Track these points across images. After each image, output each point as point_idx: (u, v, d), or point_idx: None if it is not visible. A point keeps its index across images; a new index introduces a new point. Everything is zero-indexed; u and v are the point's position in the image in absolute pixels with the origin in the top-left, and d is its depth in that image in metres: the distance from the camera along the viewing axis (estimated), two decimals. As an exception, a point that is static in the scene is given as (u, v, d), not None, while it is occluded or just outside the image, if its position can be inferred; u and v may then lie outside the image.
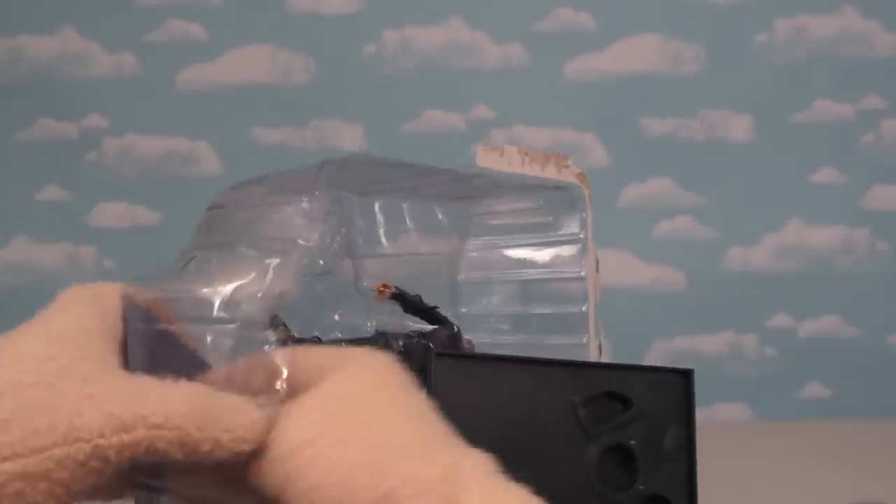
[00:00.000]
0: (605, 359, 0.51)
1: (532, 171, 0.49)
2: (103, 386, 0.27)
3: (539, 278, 0.53)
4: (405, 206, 0.51)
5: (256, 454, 0.29)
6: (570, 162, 0.51)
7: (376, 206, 0.51)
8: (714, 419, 0.91)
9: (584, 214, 0.52)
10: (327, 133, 0.92)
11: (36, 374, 0.26)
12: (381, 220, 0.51)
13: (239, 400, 0.30)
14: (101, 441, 0.26)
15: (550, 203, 0.52)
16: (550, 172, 0.50)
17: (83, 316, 0.30)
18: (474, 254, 0.54)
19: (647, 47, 0.90)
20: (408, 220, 0.52)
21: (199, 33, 0.91)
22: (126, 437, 0.26)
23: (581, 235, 0.52)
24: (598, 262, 0.52)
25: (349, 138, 0.92)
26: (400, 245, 0.50)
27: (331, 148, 0.92)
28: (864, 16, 0.88)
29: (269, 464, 0.29)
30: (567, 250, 0.53)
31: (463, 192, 0.52)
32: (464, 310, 0.52)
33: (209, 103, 0.91)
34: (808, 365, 0.92)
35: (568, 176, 0.50)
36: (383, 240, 0.50)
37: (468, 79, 0.90)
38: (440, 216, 0.53)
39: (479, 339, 0.46)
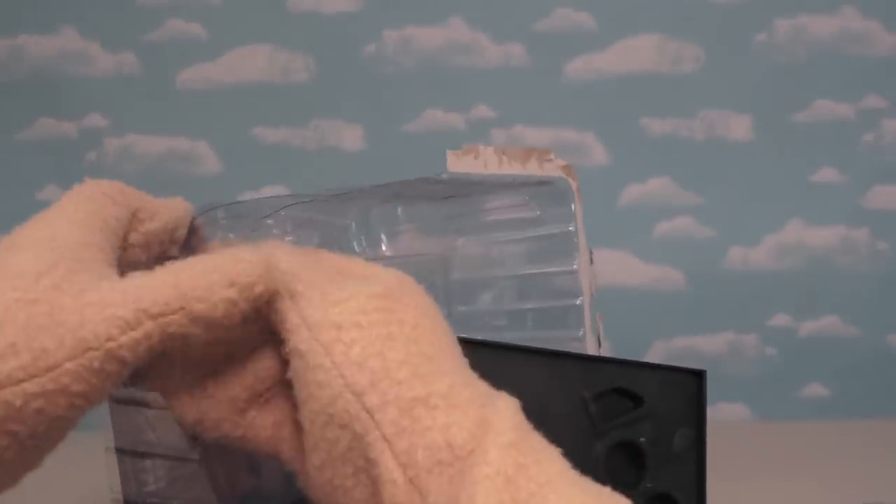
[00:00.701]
0: (603, 352, 0.51)
1: (512, 169, 0.49)
2: (100, 292, 0.27)
3: (532, 273, 0.53)
4: (396, 208, 0.51)
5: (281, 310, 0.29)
6: (552, 155, 0.50)
7: (369, 210, 0.51)
8: (714, 419, 0.91)
9: (572, 207, 0.51)
10: (327, 133, 0.92)
11: (33, 291, 0.26)
12: (374, 224, 0.51)
13: (226, 253, 0.29)
14: (111, 344, 0.26)
15: (538, 198, 0.52)
16: (532, 168, 0.49)
17: (79, 225, 0.30)
18: (466, 252, 0.54)
19: (647, 47, 0.90)
20: (399, 223, 0.52)
21: (199, 33, 0.91)
22: (135, 334, 0.26)
23: (570, 228, 0.51)
24: (591, 254, 0.52)
25: (349, 138, 0.91)
26: (392, 247, 0.50)
27: (331, 148, 0.91)
28: (865, 16, 0.88)
29: (302, 329, 0.29)
30: (558, 244, 0.52)
31: (450, 191, 0.52)
32: (459, 308, 0.52)
33: (209, 103, 0.91)
34: (808, 365, 0.92)
35: (552, 170, 0.50)
36: (376, 243, 0.50)
37: (468, 79, 0.90)
38: (430, 216, 0.53)
39: (475, 336, 0.46)
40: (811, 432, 0.83)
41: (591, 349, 0.50)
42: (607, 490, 0.28)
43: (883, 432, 0.82)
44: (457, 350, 0.30)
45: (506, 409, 0.28)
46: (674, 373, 0.42)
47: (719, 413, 0.92)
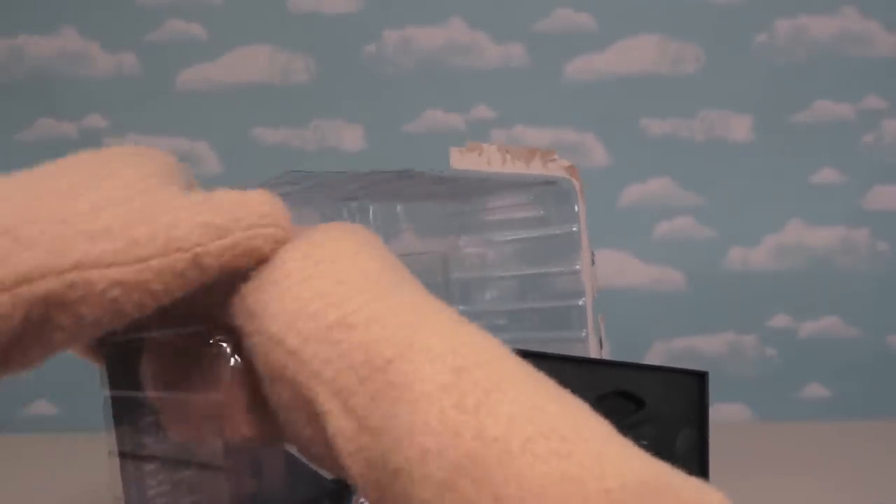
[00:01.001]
0: (605, 353, 0.50)
1: (516, 168, 0.48)
2: (191, 200, 0.27)
3: (533, 273, 0.52)
4: (398, 207, 0.51)
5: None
6: (556, 156, 0.50)
7: (370, 209, 0.51)
8: (714, 419, 0.91)
9: (576, 208, 0.51)
10: (327, 133, 0.92)
11: (130, 191, 0.26)
12: (374, 223, 0.50)
13: None
14: (199, 249, 0.26)
15: (541, 198, 0.52)
16: (536, 168, 0.49)
17: (157, 161, 0.30)
18: (468, 251, 0.54)
19: (647, 47, 0.90)
20: (401, 221, 0.51)
21: (199, 33, 0.91)
22: (223, 242, 0.27)
23: (573, 229, 0.51)
24: (593, 255, 0.51)
25: (349, 138, 0.91)
26: (394, 245, 0.50)
27: (331, 148, 0.91)
28: (865, 16, 0.88)
29: (235, 305, 0.28)
30: (560, 244, 0.52)
31: (453, 190, 0.52)
32: (459, 308, 0.52)
33: (209, 103, 0.91)
34: (809, 365, 0.92)
35: (555, 170, 0.49)
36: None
37: (468, 79, 0.90)
38: (432, 215, 0.52)
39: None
40: (811, 433, 0.83)
41: (593, 350, 0.49)
42: (565, 392, 0.26)
43: (883, 432, 0.82)
44: (393, 274, 0.29)
45: (438, 312, 0.27)
46: (676, 374, 0.42)
47: (719, 414, 0.92)
